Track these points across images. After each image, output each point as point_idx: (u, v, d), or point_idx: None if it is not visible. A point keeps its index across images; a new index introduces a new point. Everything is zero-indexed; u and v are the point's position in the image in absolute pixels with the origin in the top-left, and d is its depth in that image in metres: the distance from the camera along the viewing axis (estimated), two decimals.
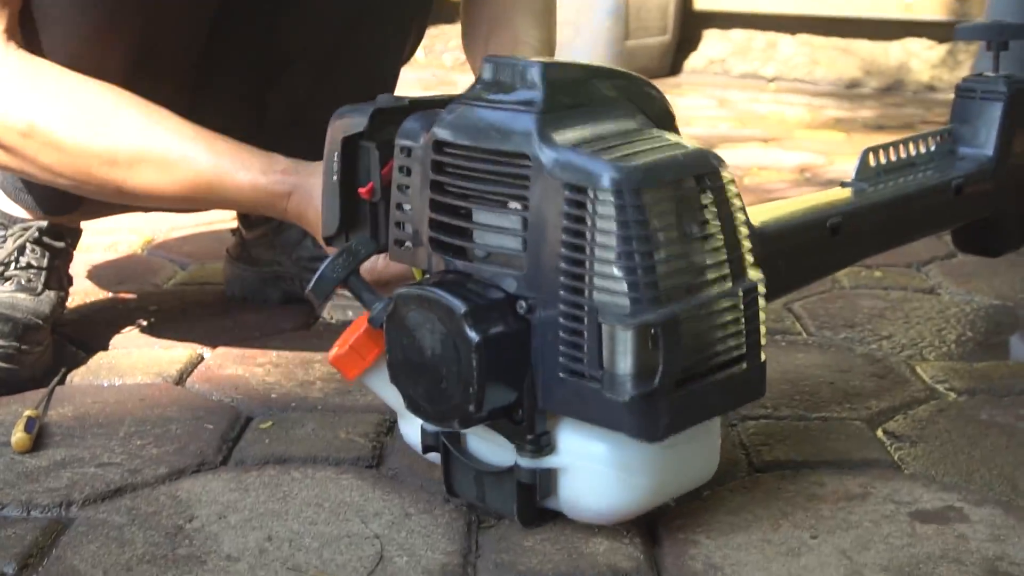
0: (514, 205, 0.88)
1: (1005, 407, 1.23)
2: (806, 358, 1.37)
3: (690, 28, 4.43)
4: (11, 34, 1.14)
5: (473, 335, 0.86)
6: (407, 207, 0.94)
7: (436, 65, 4.56)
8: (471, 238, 0.91)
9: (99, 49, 1.19)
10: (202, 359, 1.38)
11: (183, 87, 1.34)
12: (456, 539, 0.94)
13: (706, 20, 4.52)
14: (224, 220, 1.67)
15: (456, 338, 0.86)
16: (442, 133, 0.91)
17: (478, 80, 0.92)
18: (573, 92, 0.90)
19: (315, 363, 1.35)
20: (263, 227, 1.57)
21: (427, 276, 0.94)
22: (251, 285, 1.59)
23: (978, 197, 1.29)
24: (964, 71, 3.84)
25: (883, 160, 1.23)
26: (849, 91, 4.01)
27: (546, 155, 0.85)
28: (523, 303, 0.88)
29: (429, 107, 0.96)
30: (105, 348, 1.41)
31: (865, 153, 1.21)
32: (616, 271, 0.83)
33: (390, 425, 1.17)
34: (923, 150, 1.28)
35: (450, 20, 4.77)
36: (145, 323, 1.50)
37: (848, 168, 1.25)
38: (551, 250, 0.86)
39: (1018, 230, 1.39)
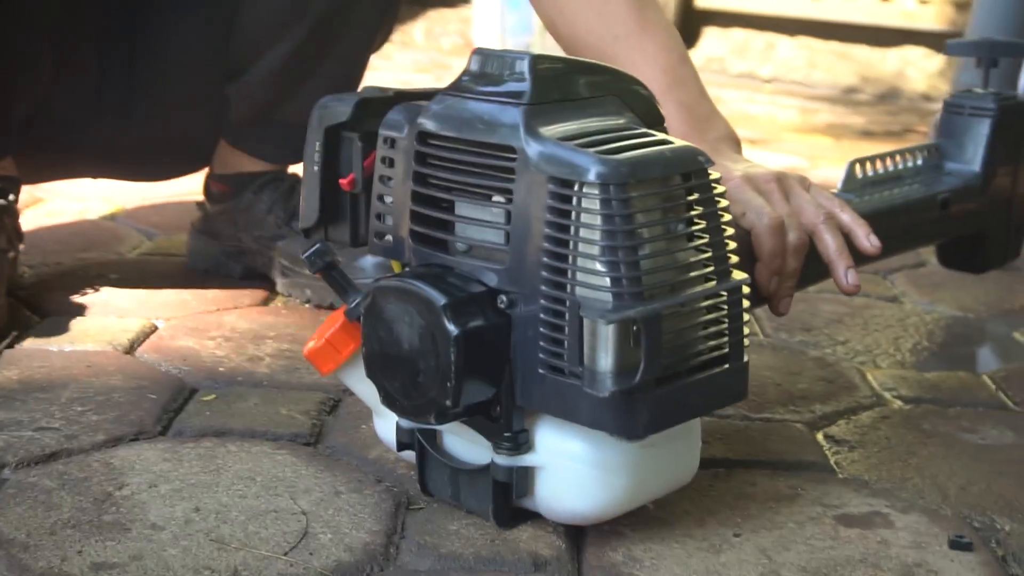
0: (498, 198, 0.87)
1: (950, 418, 1.22)
2: (758, 359, 1.34)
3: (690, 25, 4.41)
4: None
5: (452, 328, 0.84)
6: (388, 199, 0.93)
7: (434, 48, 4.50)
8: (453, 231, 0.90)
9: None
10: (155, 329, 1.36)
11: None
12: (382, 519, 0.94)
13: (706, 18, 4.50)
14: (195, 191, 1.66)
15: (435, 331, 0.85)
16: (427, 124, 0.89)
17: (465, 71, 0.90)
18: (561, 86, 0.88)
19: (267, 339, 1.34)
20: (226, 202, 1.54)
21: (407, 269, 0.92)
22: (213, 258, 1.57)
23: (964, 213, 1.29)
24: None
25: (870, 172, 1.22)
26: (845, 96, 3.97)
27: (532, 148, 0.84)
28: (504, 297, 0.86)
29: (414, 99, 0.94)
30: (60, 314, 1.39)
31: (852, 164, 1.21)
32: (599, 266, 0.82)
33: (333, 404, 1.17)
34: (910, 164, 1.28)
35: (450, 3, 4.74)
36: (104, 291, 1.48)
37: (832, 174, 1.24)
38: (534, 244, 0.84)
39: (1002, 247, 1.38)
